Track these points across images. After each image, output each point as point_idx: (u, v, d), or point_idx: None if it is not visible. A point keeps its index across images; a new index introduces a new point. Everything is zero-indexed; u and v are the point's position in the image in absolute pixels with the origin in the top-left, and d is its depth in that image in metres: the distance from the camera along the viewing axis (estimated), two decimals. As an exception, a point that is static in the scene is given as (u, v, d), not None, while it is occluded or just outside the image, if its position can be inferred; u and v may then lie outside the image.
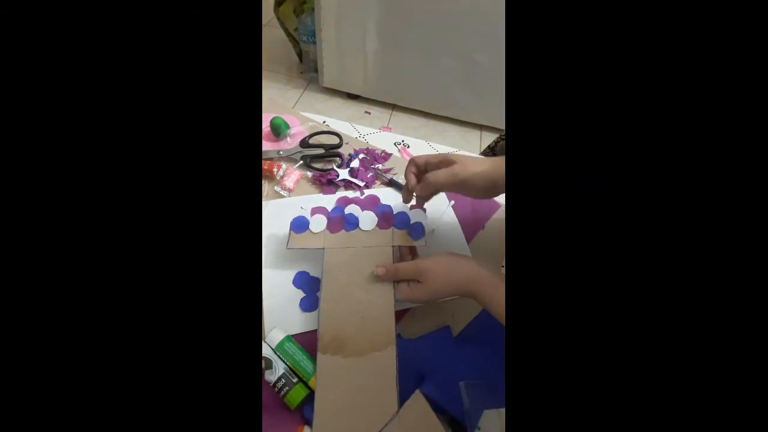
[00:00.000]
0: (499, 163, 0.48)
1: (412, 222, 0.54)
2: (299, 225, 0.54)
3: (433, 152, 0.76)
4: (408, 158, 0.72)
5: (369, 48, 1.59)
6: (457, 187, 0.49)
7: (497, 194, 0.51)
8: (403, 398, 0.43)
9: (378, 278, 0.49)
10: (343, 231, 0.54)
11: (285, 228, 0.55)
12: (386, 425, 0.42)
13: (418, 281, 0.46)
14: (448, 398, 0.44)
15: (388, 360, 0.45)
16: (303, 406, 0.45)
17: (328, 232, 0.54)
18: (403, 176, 0.65)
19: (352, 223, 0.54)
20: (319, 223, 0.54)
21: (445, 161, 0.49)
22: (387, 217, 0.54)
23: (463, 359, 0.49)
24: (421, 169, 0.52)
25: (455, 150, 0.76)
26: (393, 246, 0.52)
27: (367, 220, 0.54)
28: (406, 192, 0.53)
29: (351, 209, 0.55)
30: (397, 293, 0.48)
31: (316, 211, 0.55)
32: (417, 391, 0.43)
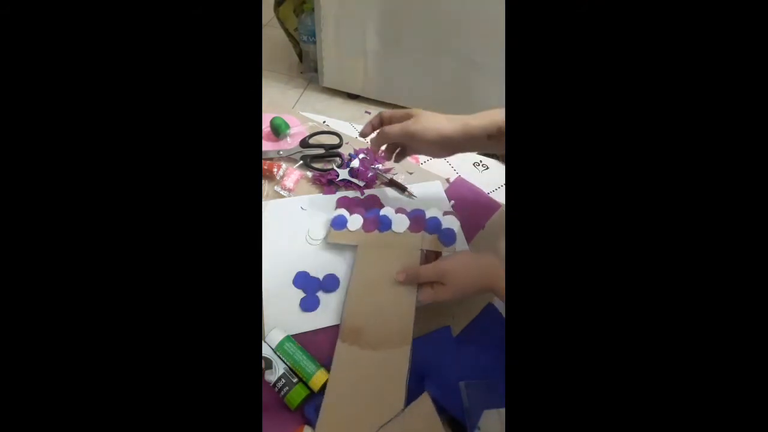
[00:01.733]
0: (457, 122, 0.50)
1: (443, 227, 0.56)
2: (339, 223, 0.58)
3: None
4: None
5: (369, 48, 1.59)
6: (408, 139, 0.52)
7: (451, 153, 0.53)
8: (408, 398, 0.44)
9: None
10: (376, 231, 0.57)
11: (285, 228, 0.57)
12: (390, 420, 0.42)
13: (441, 283, 0.47)
14: (448, 398, 0.44)
15: (401, 358, 0.46)
16: (303, 406, 0.45)
17: (362, 230, 0.57)
18: (402, 176, 0.69)
19: (385, 224, 0.57)
20: (356, 222, 0.58)
21: (407, 115, 0.53)
22: (419, 221, 0.57)
23: (463, 359, 0.49)
24: (384, 122, 0.55)
25: (455, 150, 0.76)
26: (421, 249, 0.54)
27: (400, 222, 0.57)
28: (364, 130, 0.57)
29: (386, 211, 0.58)
30: (420, 296, 0.49)
31: (354, 210, 0.59)
32: (425, 393, 0.43)
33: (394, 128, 0.52)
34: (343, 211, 0.59)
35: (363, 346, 0.48)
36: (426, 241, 0.55)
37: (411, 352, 0.47)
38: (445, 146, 0.51)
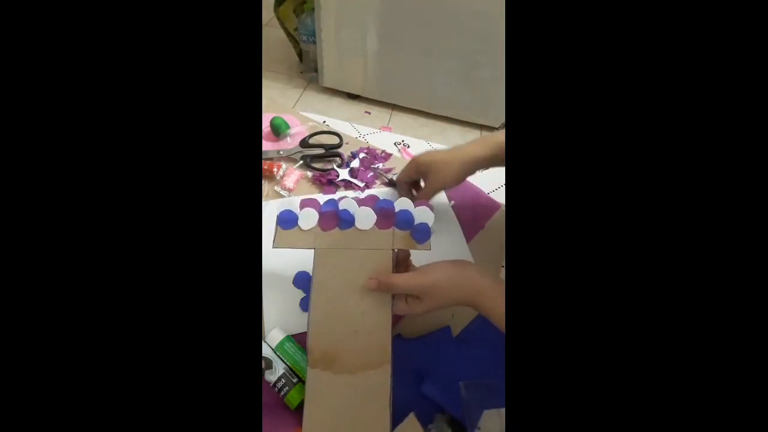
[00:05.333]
0: (465, 158, 0.54)
1: (416, 223, 0.46)
2: (286, 220, 0.47)
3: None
4: (407, 157, 0.73)
5: (369, 48, 1.59)
6: (438, 191, 0.57)
7: (468, 175, 0.56)
8: (398, 406, 0.42)
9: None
10: (336, 229, 0.47)
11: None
12: None
13: (418, 297, 0.43)
14: (448, 398, 0.44)
15: (381, 379, 0.42)
16: (303, 406, 0.45)
17: (319, 229, 0.47)
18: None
19: (347, 220, 0.47)
20: (309, 219, 0.47)
21: (419, 171, 0.57)
22: (387, 215, 0.47)
23: (463, 359, 0.49)
24: (409, 182, 0.59)
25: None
26: (393, 250, 0.46)
27: (365, 217, 0.47)
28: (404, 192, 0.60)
29: (346, 204, 0.48)
30: (394, 308, 0.44)
31: (305, 204, 0.48)
32: (411, 415, 0.41)
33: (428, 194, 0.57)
34: (292, 206, 0.48)
35: (338, 372, 0.42)
36: (397, 239, 0.46)
37: (392, 369, 0.43)
38: (468, 172, 0.56)
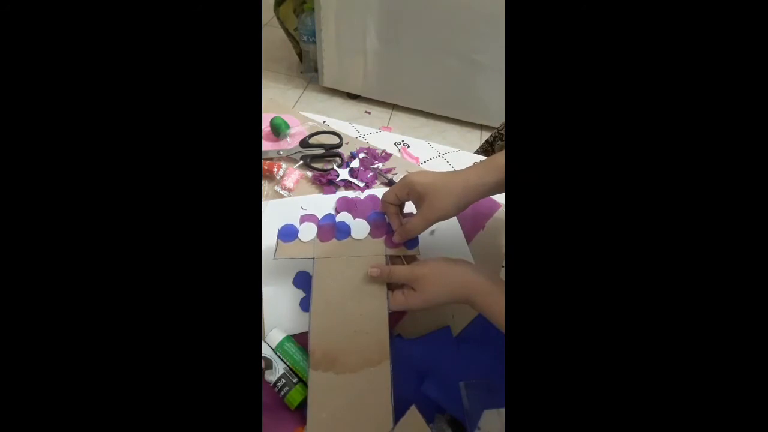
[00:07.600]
0: (467, 182, 0.47)
1: None
2: (287, 233, 0.52)
3: (433, 152, 0.75)
4: (407, 157, 0.73)
5: (369, 48, 1.60)
6: (433, 223, 0.50)
7: (469, 205, 0.50)
8: (399, 406, 0.43)
9: (372, 280, 0.48)
10: (334, 239, 0.52)
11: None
12: None
13: (413, 288, 0.45)
14: (448, 398, 0.44)
15: (382, 376, 0.44)
16: (303, 406, 0.45)
17: (318, 240, 0.52)
18: (402, 176, 0.65)
19: (343, 231, 0.52)
20: (308, 232, 0.52)
21: (413, 193, 0.49)
22: (379, 225, 0.52)
23: (463, 359, 0.49)
24: (397, 203, 0.52)
25: (455, 150, 0.76)
26: (386, 255, 0.51)
27: (359, 228, 0.52)
28: (399, 235, 0.51)
29: (342, 217, 0.54)
30: (391, 302, 0.47)
31: (305, 219, 0.53)
32: (413, 407, 0.42)
33: (416, 225, 0.49)
34: (292, 220, 0.53)
35: (340, 372, 0.44)
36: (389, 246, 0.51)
37: (392, 365, 0.44)
38: (464, 207, 0.49)
